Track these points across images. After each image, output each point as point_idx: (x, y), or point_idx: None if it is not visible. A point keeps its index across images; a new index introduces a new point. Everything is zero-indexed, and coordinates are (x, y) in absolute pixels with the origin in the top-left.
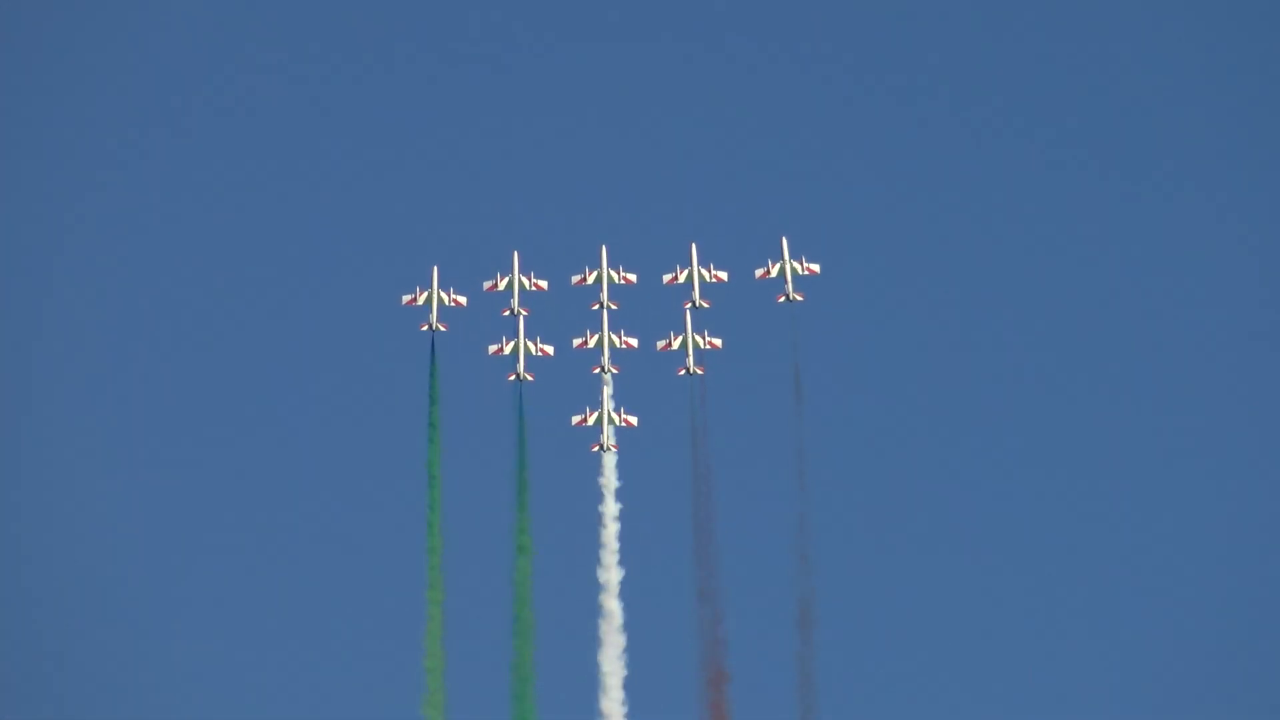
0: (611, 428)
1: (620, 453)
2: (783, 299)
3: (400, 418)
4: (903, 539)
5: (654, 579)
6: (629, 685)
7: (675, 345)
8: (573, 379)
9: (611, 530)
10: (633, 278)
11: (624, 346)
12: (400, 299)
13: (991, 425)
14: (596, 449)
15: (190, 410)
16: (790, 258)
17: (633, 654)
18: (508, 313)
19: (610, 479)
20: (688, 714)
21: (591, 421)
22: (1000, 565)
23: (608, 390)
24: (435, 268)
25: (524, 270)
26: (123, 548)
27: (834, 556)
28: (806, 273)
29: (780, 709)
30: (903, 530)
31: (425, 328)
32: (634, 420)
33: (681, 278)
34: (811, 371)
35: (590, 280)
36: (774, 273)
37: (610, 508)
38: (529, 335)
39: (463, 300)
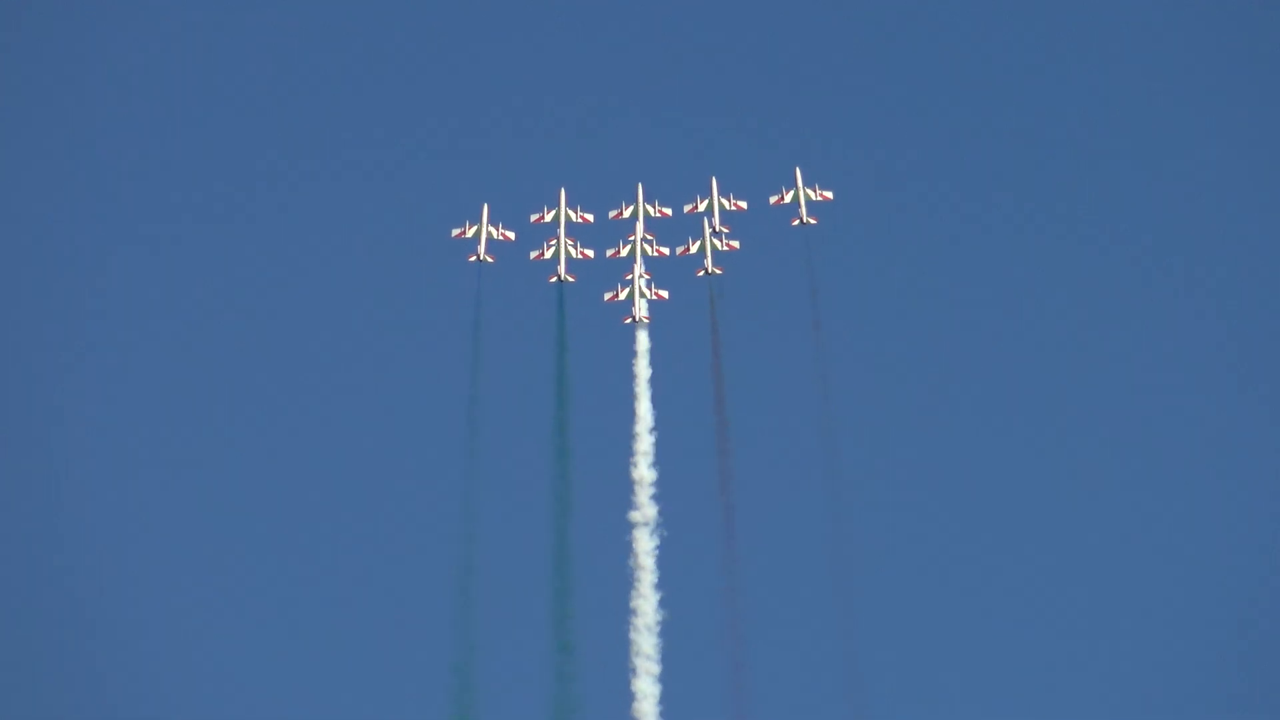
0: (643, 301)
1: (652, 338)
2: (797, 223)
3: (447, 348)
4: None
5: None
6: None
7: (694, 250)
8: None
9: (645, 425)
10: (668, 210)
11: (656, 254)
12: (450, 232)
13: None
14: (629, 321)
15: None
16: (804, 185)
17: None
18: (553, 243)
19: (643, 365)
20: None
21: (623, 296)
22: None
23: (639, 268)
24: (485, 205)
25: (569, 205)
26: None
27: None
28: (820, 199)
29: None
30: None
31: (473, 259)
32: (664, 294)
33: (702, 207)
34: (827, 294)
35: (626, 214)
36: (788, 199)
37: (644, 406)
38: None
39: (511, 235)
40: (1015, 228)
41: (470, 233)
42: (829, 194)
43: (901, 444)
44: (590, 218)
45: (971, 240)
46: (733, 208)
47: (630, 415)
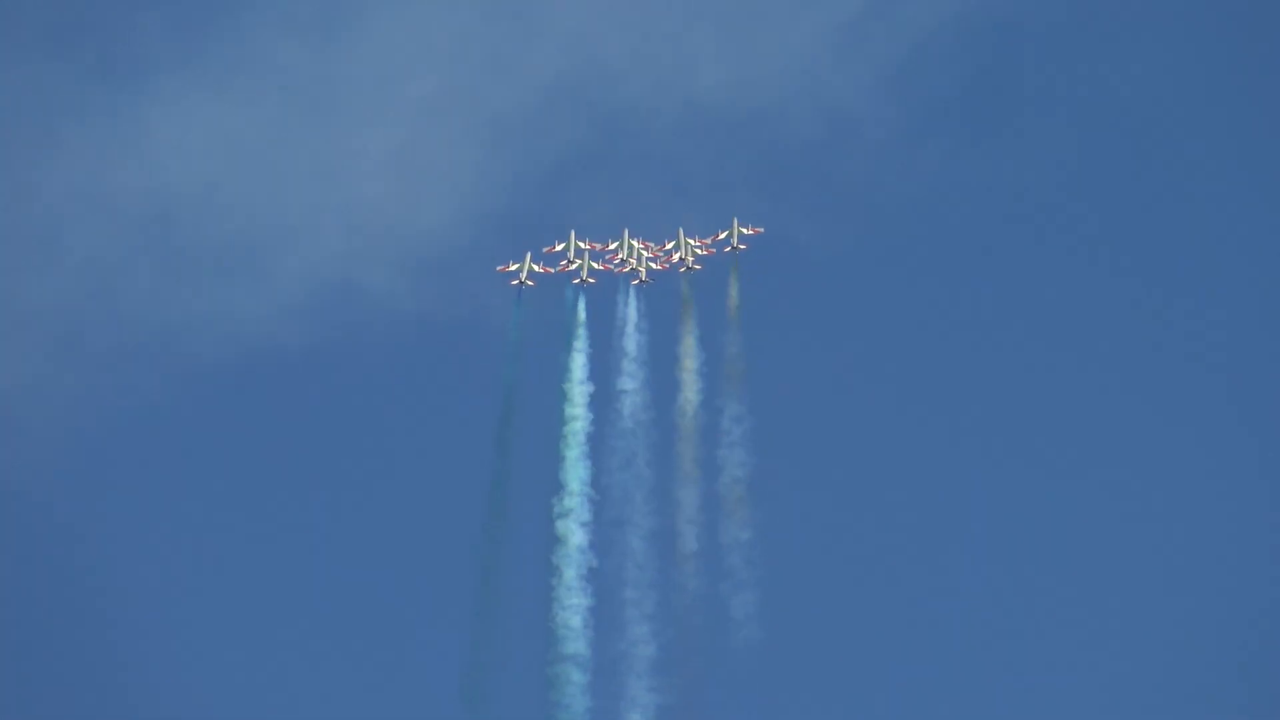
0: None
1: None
2: (729, 249)
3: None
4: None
5: None
6: None
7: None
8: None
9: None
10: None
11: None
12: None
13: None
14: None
15: None
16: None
17: None
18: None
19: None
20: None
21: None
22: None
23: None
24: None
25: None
26: None
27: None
28: (753, 233)
29: None
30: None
31: (516, 284)
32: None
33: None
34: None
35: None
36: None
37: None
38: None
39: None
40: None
41: (514, 268)
42: (760, 229)
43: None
44: (596, 245)
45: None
46: (698, 245)
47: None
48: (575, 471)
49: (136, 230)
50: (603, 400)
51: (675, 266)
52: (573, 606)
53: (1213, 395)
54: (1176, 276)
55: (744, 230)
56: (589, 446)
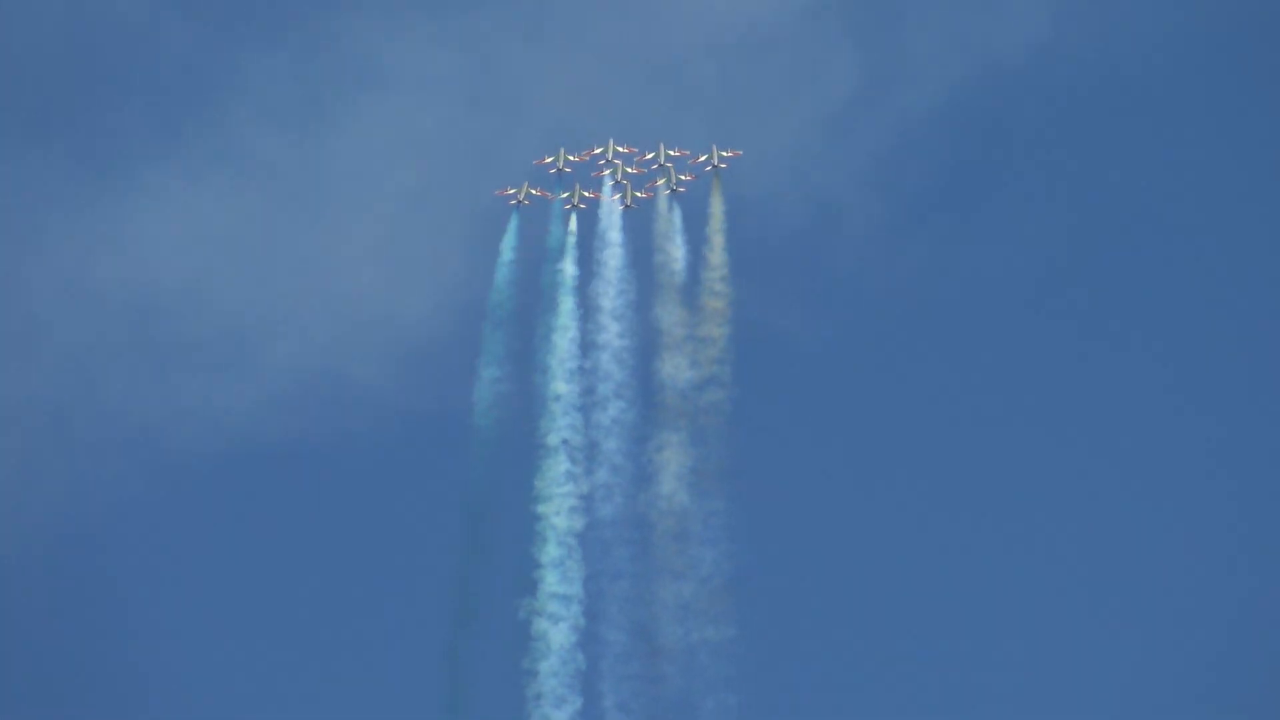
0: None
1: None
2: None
3: None
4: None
5: None
6: None
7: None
8: None
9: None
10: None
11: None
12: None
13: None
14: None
15: None
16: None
17: None
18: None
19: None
20: None
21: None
22: None
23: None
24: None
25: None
26: None
27: None
28: (732, 155)
29: None
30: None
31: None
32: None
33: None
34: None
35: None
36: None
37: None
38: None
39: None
40: None
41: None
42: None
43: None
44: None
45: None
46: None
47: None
48: (554, 570)
49: (120, 322)
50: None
51: (660, 189)
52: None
53: (1203, 481)
54: (1163, 364)
55: (723, 153)
56: (565, 548)
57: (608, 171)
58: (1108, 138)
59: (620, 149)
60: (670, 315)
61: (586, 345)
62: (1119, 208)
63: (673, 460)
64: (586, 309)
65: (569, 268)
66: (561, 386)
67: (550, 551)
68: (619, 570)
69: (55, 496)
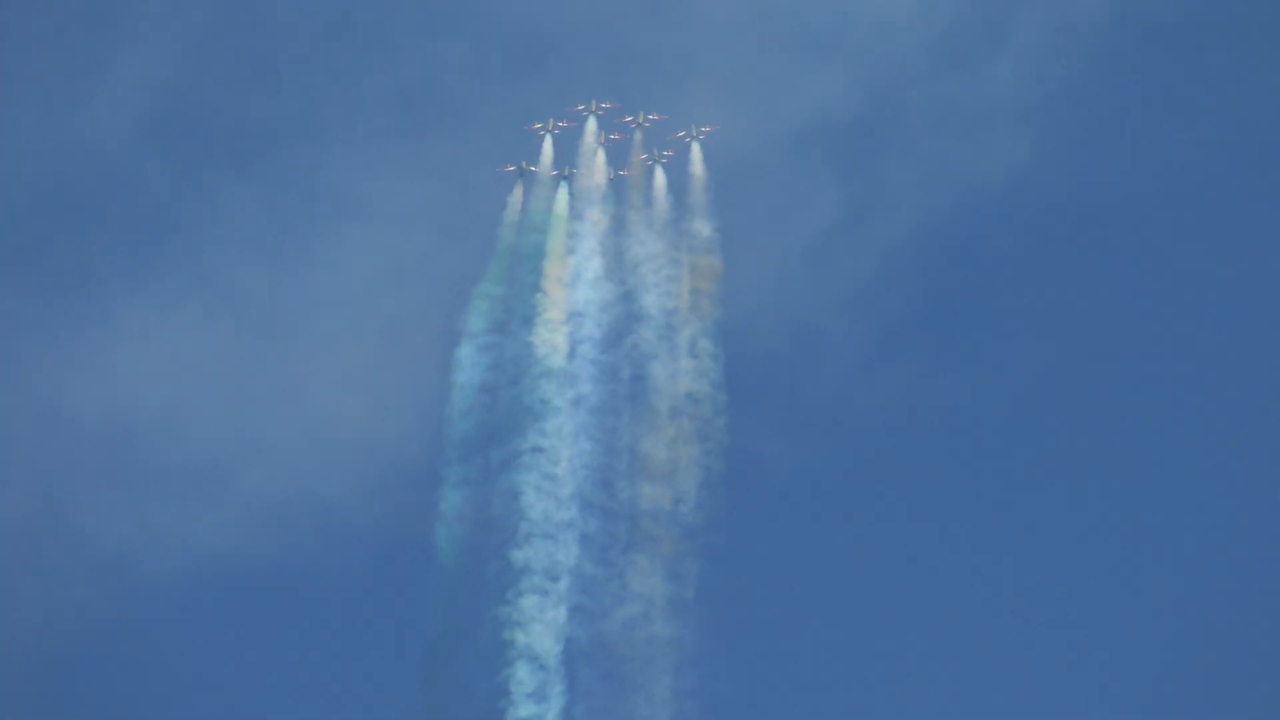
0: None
1: None
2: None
3: None
4: None
5: None
6: None
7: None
8: None
9: None
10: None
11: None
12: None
13: None
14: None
15: None
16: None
17: None
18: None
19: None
20: None
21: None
22: None
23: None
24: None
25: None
26: None
27: None
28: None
29: None
30: None
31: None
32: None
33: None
34: None
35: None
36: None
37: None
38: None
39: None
40: None
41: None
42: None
43: None
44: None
45: None
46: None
47: None
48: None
49: (96, 449)
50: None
51: (643, 164)
52: None
53: (1186, 608)
54: (1146, 492)
55: (703, 128)
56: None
57: (590, 113)
58: (1087, 265)
59: (604, 104)
60: (649, 437)
61: (565, 465)
62: (1098, 335)
63: (647, 585)
64: (562, 427)
65: (551, 392)
66: (537, 507)
67: (522, 678)
68: (592, 697)
69: (29, 619)
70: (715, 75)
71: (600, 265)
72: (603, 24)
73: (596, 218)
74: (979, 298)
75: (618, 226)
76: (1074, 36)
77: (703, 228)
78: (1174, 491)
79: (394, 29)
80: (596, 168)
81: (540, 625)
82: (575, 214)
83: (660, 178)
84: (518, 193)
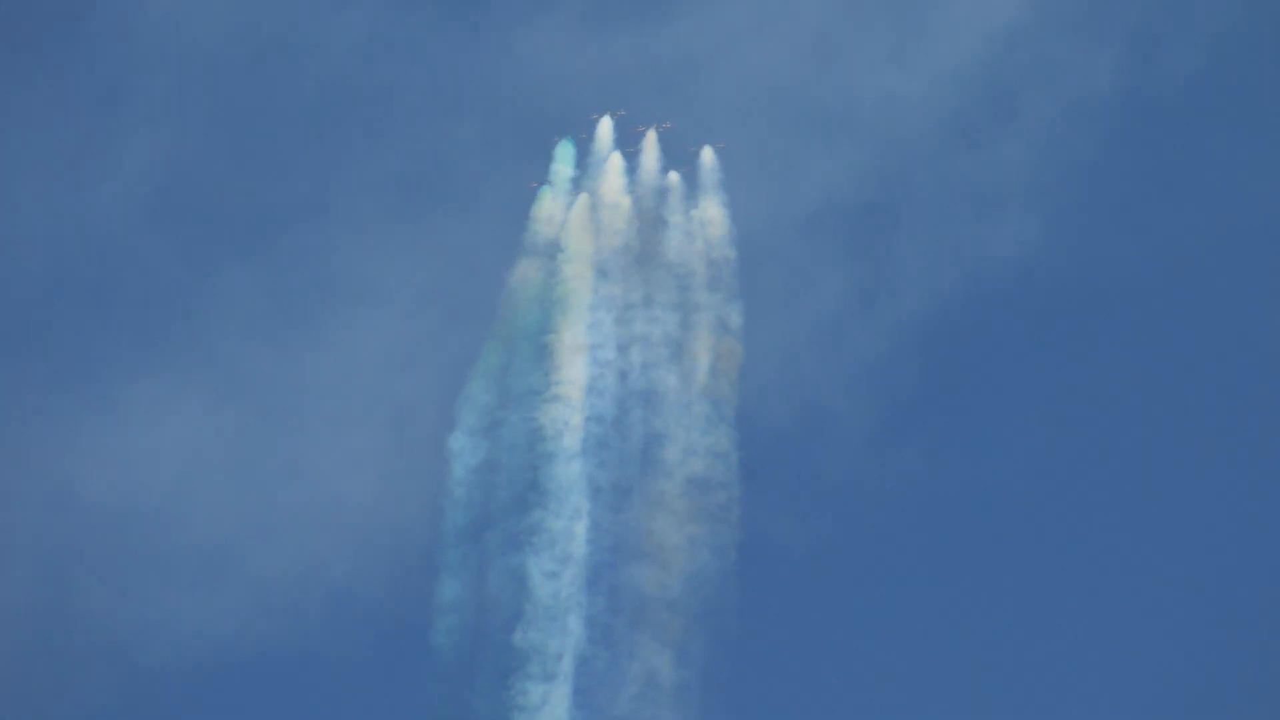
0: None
1: None
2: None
3: None
4: None
5: None
6: None
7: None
8: None
9: None
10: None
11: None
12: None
13: None
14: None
15: None
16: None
17: None
18: None
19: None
20: None
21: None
22: None
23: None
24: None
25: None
26: None
27: None
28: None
29: None
30: None
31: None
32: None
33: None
34: None
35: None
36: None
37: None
38: None
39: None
40: None
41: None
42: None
43: None
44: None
45: None
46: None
47: None
48: None
49: (99, 533)
50: None
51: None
52: None
53: (1183, 686)
54: (1158, 573)
55: (718, 145)
56: None
57: (604, 119)
58: (1097, 347)
59: (618, 113)
60: (652, 516)
61: (568, 548)
62: (1107, 416)
63: (651, 669)
64: (568, 502)
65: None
66: (541, 590)
67: None
68: None
69: (32, 705)
70: (724, 157)
71: (614, 342)
72: (613, 105)
73: (614, 292)
74: (988, 378)
75: (633, 300)
76: (1085, 115)
77: (731, 314)
78: (1185, 576)
79: (401, 109)
80: (611, 177)
81: (544, 711)
82: (589, 287)
83: (684, 247)
84: (526, 265)
